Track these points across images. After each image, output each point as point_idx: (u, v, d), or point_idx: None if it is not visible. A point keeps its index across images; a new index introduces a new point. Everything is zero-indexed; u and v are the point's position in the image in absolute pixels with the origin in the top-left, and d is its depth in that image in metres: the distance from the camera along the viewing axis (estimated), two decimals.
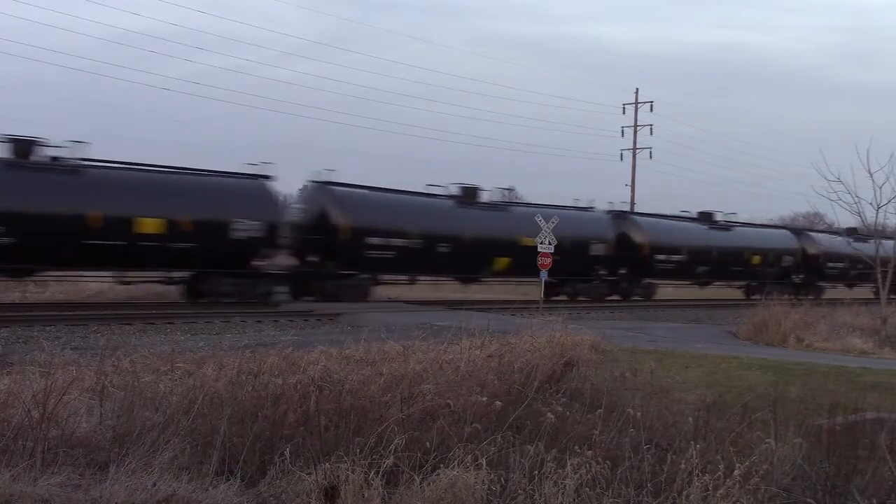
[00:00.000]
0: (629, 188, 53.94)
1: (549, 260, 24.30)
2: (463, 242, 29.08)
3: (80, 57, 71.48)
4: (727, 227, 40.00)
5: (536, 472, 6.01)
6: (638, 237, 35.53)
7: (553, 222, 24.67)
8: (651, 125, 54.42)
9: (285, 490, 6.02)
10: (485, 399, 7.48)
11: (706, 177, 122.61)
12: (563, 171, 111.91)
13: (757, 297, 37.07)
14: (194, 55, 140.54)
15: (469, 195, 30.53)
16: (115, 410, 7.23)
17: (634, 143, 54.58)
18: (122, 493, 5.63)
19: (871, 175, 21.69)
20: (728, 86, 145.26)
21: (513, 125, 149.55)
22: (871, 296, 39.91)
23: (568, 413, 7.59)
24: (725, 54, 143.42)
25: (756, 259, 39.86)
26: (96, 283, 27.34)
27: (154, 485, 5.75)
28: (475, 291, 32.85)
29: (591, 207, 35.78)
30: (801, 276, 42.45)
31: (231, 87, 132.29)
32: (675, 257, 36.39)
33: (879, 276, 23.56)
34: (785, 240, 42.74)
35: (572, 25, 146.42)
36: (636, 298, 35.78)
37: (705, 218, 39.56)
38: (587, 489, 5.84)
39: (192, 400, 7.32)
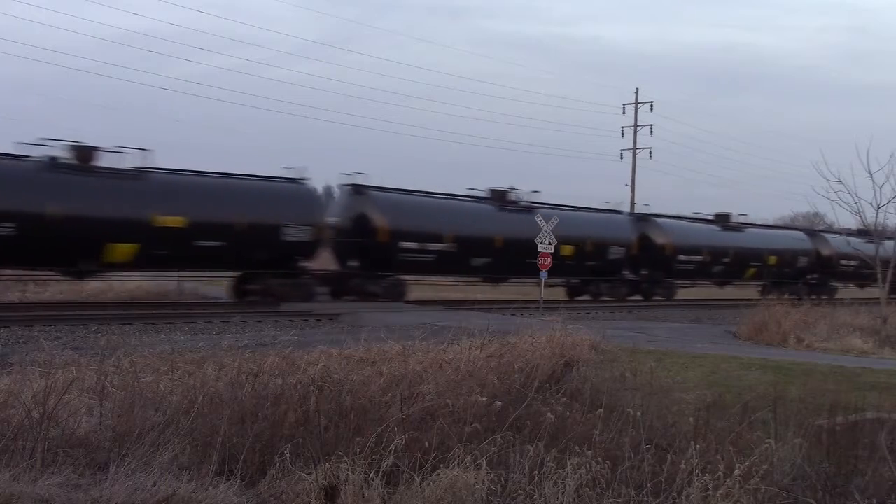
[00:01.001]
0: (629, 188, 53.95)
1: (548, 260, 24.31)
2: (496, 244, 30.01)
3: (81, 57, 71.53)
4: (742, 228, 40.82)
5: (536, 472, 6.01)
6: (659, 238, 36.36)
7: (553, 222, 24.67)
8: (651, 125, 54.40)
9: (285, 490, 6.02)
10: (485, 399, 7.49)
11: (706, 177, 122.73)
12: (563, 171, 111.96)
13: (772, 296, 37.70)
14: (195, 55, 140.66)
15: (499, 197, 31.45)
16: (115, 410, 7.23)
17: (634, 143, 54.57)
18: (122, 493, 5.63)
19: (871, 175, 21.69)
20: (728, 86, 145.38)
21: (513, 125, 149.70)
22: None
23: (568, 413, 7.59)
24: (726, 54, 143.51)
25: (772, 259, 40.76)
26: (96, 283, 27.37)
27: (154, 485, 5.75)
28: (501, 293, 33.27)
29: (618, 210, 37.34)
30: (816, 276, 43.24)
31: (231, 87, 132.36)
32: (696, 258, 37.35)
33: (879, 275, 23.55)
34: (800, 241, 43.58)
35: (573, 25, 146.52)
36: (657, 298, 36.52)
37: (721, 219, 40.31)
38: (587, 489, 5.84)
39: (192, 400, 7.32)
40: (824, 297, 38.23)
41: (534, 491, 5.87)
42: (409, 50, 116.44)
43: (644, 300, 35.94)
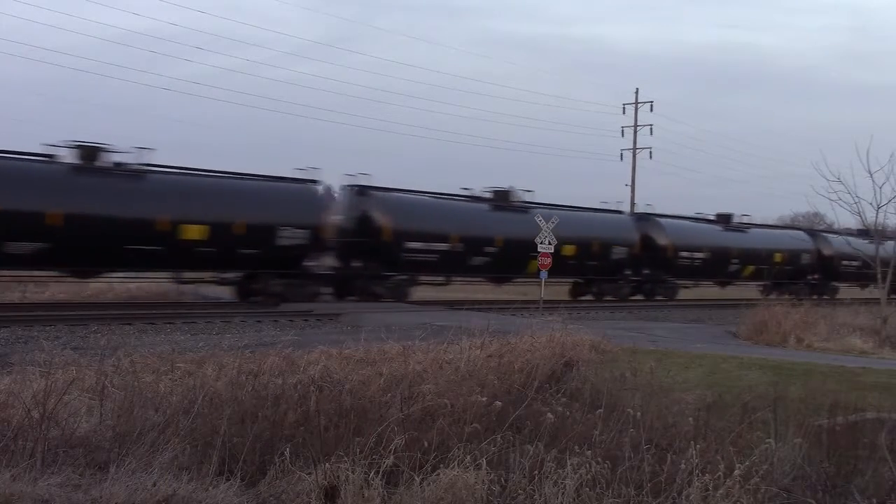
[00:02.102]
0: (629, 188, 53.97)
1: (548, 260, 24.29)
2: (498, 244, 30.23)
3: (81, 57, 71.51)
4: (744, 228, 40.77)
5: (536, 472, 6.01)
6: (661, 239, 36.38)
7: (553, 222, 24.66)
8: (651, 125, 54.42)
9: (285, 490, 6.02)
10: (485, 399, 7.49)
11: (706, 177, 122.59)
12: (563, 171, 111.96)
13: (774, 296, 37.93)
14: (195, 55, 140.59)
15: (502, 198, 31.58)
16: (115, 410, 7.23)
17: (634, 143, 54.58)
18: (122, 493, 5.63)
19: (871, 175, 21.68)
20: (728, 86, 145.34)
21: (513, 125, 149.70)
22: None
23: (568, 413, 7.59)
24: (726, 54, 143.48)
25: (775, 259, 40.77)
26: (95, 284, 27.35)
27: (154, 485, 5.75)
28: (504, 292, 33.53)
29: (619, 210, 37.65)
30: (817, 276, 43.23)
31: (232, 87, 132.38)
32: (698, 257, 37.33)
33: (879, 275, 23.56)
34: (801, 241, 43.38)
35: (573, 25, 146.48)
36: (659, 298, 36.51)
37: (723, 219, 40.32)
38: (587, 489, 5.84)
39: (192, 400, 7.32)
40: (826, 298, 38.76)
41: (534, 491, 5.87)
42: (409, 50, 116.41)
43: (646, 300, 35.99)
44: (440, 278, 30.54)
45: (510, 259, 30.40)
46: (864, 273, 41.26)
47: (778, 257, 40.93)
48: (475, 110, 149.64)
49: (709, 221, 40.12)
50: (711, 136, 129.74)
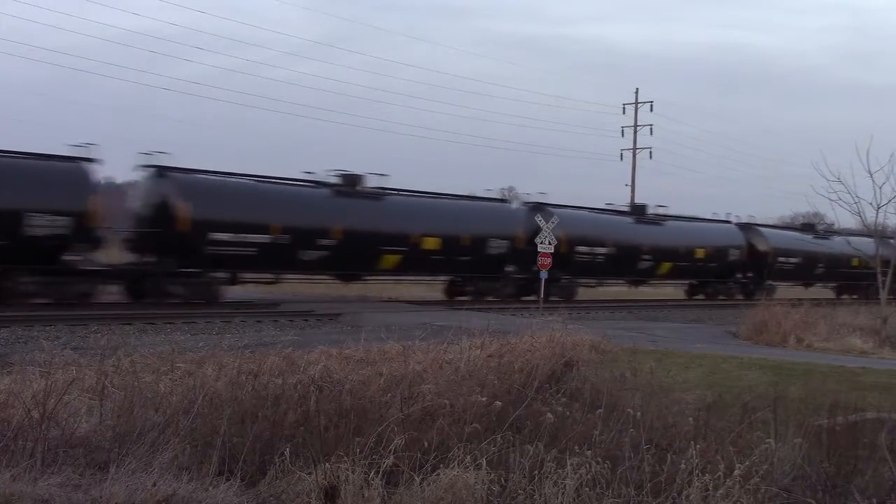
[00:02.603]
0: (629, 188, 53.94)
1: (549, 260, 24.26)
2: (336, 236, 26.07)
3: (81, 57, 71.53)
4: (660, 220, 36.89)
5: (536, 472, 6.01)
6: (556, 232, 31.40)
7: (553, 222, 24.63)
8: (651, 125, 54.40)
9: (285, 490, 6.02)
10: (485, 399, 7.48)
11: (706, 177, 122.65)
12: (564, 171, 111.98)
13: (700, 296, 38.46)
14: (195, 55, 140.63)
15: (349, 183, 27.27)
16: (115, 410, 7.23)
17: (634, 143, 54.58)
18: (122, 493, 5.63)
19: (871, 175, 21.67)
20: (728, 86, 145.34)
21: (513, 125, 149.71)
22: (833, 295, 41.07)
23: (568, 413, 7.59)
24: (726, 55, 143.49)
25: (696, 255, 36.90)
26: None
27: (154, 485, 5.75)
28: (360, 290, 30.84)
29: (505, 199, 33.86)
30: (750, 274, 39.73)
31: (231, 87, 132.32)
32: (600, 253, 33.03)
33: (879, 275, 23.55)
34: (730, 235, 39.31)
35: (573, 26, 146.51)
36: (554, 299, 30.00)
37: (636, 211, 37.04)
38: (587, 489, 5.84)
39: (192, 400, 7.32)
40: (758, 298, 35.38)
41: (534, 491, 5.87)
42: (409, 50, 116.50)
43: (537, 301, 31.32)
44: (267, 276, 26.46)
45: (355, 253, 26.47)
46: (806, 271, 41.21)
47: (700, 253, 36.85)
48: (475, 110, 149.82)
49: (617, 213, 36.32)
50: (711, 136, 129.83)
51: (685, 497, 5.82)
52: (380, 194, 27.77)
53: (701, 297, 38.59)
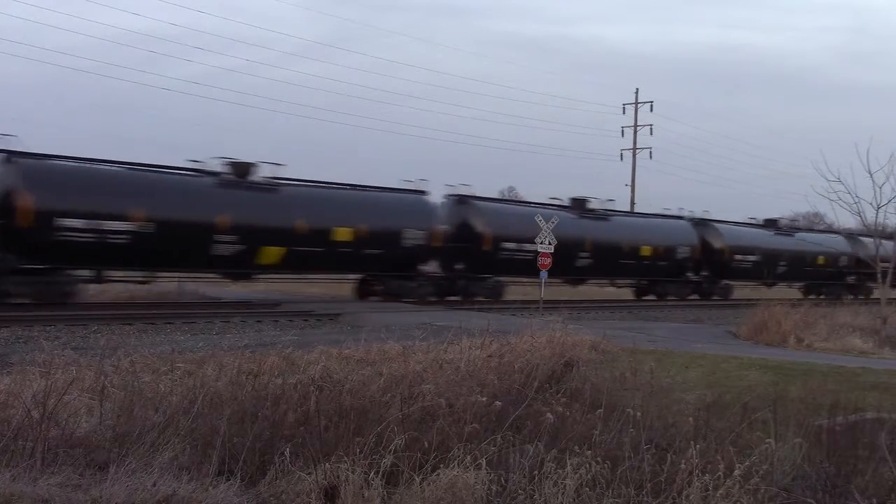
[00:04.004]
0: (629, 188, 53.96)
1: (548, 260, 24.22)
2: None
3: (81, 57, 71.53)
4: (604, 216, 34.65)
5: (536, 472, 6.01)
6: (479, 227, 29.92)
7: (553, 222, 24.62)
8: (651, 125, 54.50)
9: (285, 490, 6.02)
10: (485, 399, 7.49)
11: (706, 177, 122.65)
12: (564, 171, 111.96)
13: (651, 297, 36.51)
14: (195, 55, 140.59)
15: (238, 172, 25.00)
16: (115, 410, 7.24)
17: (634, 143, 54.63)
18: (122, 493, 5.63)
19: (871, 175, 21.65)
20: (729, 86, 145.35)
21: (513, 125, 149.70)
22: (801, 295, 38.66)
23: (568, 413, 7.59)
24: (726, 54, 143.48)
25: (642, 253, 34.60)
26: (96, 284, 27.05)
27: (154, 485, 5.75)
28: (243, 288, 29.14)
29: (420, 190, 29.69)
30: (704, 273, 37.84)
31: (231, 87, 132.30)
32: (529, 250, 28.25)
33: (880, 275, 23.55)
34: (681, 231, 37.12)
35: (574, 26, 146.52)
36: (479, 299, 29.17)
37: (577, 206, 34.00)
38: (587, 489, 5.84)
39: (192, 400, 7.32)
40: (715, 298, 35.71)
41: (534, 491, 5.87)
42: (409, 50, 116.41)
43: (463, 300, 28.88)
44: (137, 275, 24.25)
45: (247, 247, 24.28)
46: (767, 269, 38.57)
47: (646, 251, 34.62)
48: (475, 110, 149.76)
49: (559, 207, 32.64)
50: (711, 136, 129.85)
51: (685, 497, 5.82)
52: (275, 186, 25.44)
53: (651, 297, 36.38)
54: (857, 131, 69.21)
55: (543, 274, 24.10)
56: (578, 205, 33.88)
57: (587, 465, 5.95)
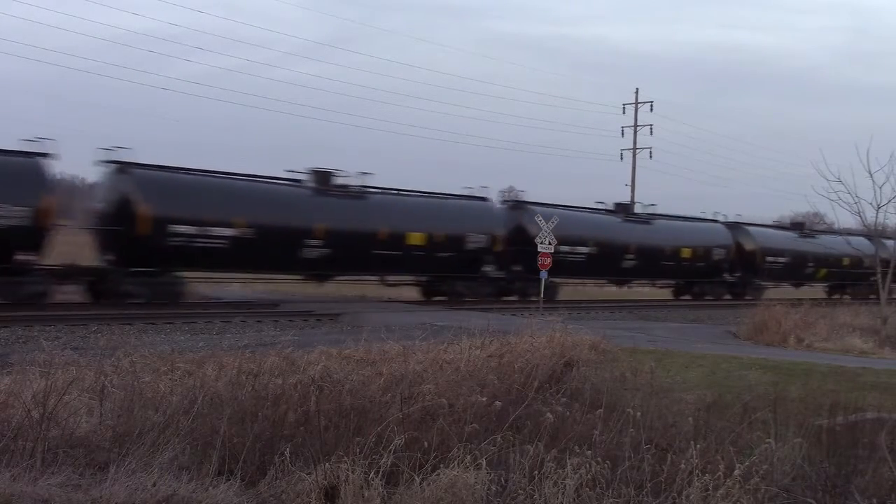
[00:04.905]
0: (629, 188, 53.97)
1: (549, 260, 24.23)
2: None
3: (81, 57, 71.55)
4: (649, 220, 36.41)
5: (536, 472, 6.01)
6: (533, 230, 31.29)
7: (553, 222, 24.62)
8: (651, 125, 54.49)
9: (285, 490, 6.02)
10: (485, 399, 7.49)
11: (706, 177, 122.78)
12: (563, 170, 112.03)
13: (687, 297, 37.95)
14: (195, 55, 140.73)
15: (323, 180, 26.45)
16: (115, 410, 7.24)
17: (634, 143, 54.61)
18: (122, 493, 5.63)
19: (871, 175, 21.67)
20: (729, 86, 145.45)
21: (514, 125, 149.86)
22: (824, 295, 40.31)
23: (568, 413, 7.59)
24: (726, 54, 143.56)
25: (684, 255, 36.24)
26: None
27: (154, 485, 5.75)
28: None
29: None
30: (738, 274, 39.16)
31: (231, 87, 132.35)
32: (581, 252, 32.23)
33: (880, 275, 23.55)
34: (717, 234, 38.59)
35: (575, 26, 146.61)
36: (533, 299, 30.58)
37: (622, 210, 36.31)
38: (587, 489, 5.84)
39: (192, 400, 7.32)
40: (748, 298, 35.95)
41: (534, 491, 5.87)
42: (410, 50, 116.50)
43: (519, 300, 30.57)
44: (236, 277, 25.98)
45: (333, 251, 25.63)
46: (794, 270, 40.82)
47: (686, 253, 36.23)
48: (476, 110, 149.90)
49: (602, 211, 35.25)
50: (711, 136, 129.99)
51: (685, 497, 5.82)
52: (360, 193, 27.20)
53: (687, 297, 37.85)
54: (857, 131, 69.28)
55: (543, 274, 24.09)
56: (623, 209, 36.07)
57: (587, 465, 5.95)
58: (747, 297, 36.42)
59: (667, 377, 10.71)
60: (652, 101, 54.30)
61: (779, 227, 43.13)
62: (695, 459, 5.99)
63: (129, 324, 18.22)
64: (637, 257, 34.40)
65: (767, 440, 6.58)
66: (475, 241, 29.26)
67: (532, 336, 12.87)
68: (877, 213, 22.86)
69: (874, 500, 6.19)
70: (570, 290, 34.28)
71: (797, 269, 40.71)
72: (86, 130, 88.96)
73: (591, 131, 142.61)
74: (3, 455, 6.13)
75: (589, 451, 6.13)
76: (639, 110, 54.44)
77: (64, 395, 7.03)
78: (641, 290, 40.55)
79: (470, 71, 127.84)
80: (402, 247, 27.11)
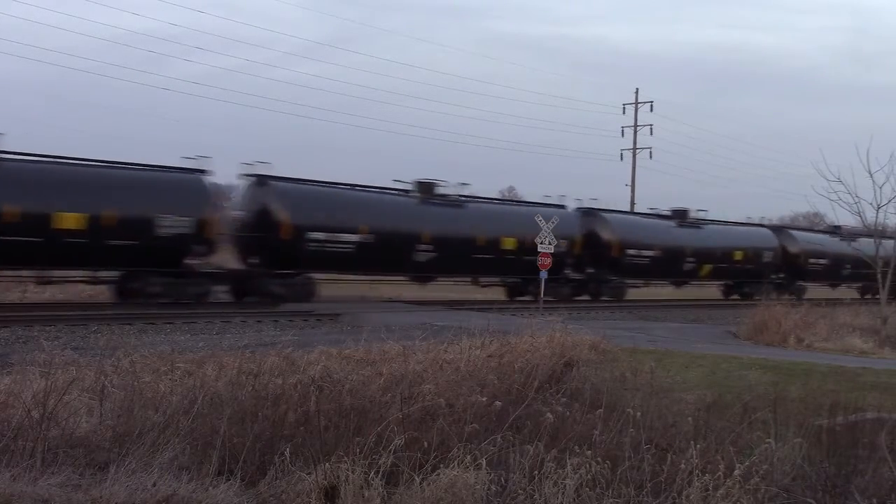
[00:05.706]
0: (629, 188, 53.99)
1: (548, 260, 24.23)
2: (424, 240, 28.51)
3: (81, 57, 71.50)
4: (701, 224, 38.73)
5: (536, 472, 6.00)
6: (606, 234, 34.53)
7: (553, 222, 24.61)
8: (651, 125, 54.50)
9: (285, 490, 6.02)
10: (485, 399, 7.49)
11: (706, 177, 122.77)
12: (564, 170, 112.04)
13: (735, 297, 39.82)
14: (195, 55, 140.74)
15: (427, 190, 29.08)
16: (115, 410, 7.24)
17: (634, 143, 54.60)
18: (122, 493, 5.63)
19: (871, 175, 21.67)
20: (729, 86, 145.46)
21: (514, 125, 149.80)
22: (857, 296, 41.68)
23: (568, 413, 7.59)
24: (726, 54, 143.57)
25: (735, 257, 38.78)
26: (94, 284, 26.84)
27: (154, 485, 5.75)
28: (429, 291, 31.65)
29: (562, 205, 34.62)
30: (782, 275, 41.30)
31: (231, 87, 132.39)
32: (646, 255, 34.86)
33: (879, 275, 23.52)
34: (764, 238, 41.17)
35: (575, 26, 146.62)
36: (605, 299, 33.96)
37: (679, 215, 38.14)
38: (587, 489, 5.84)
39: (192, 400, 7.32)
40: (792, 298, 36.50)
41: (534, 491, 5.87)
42: (410, 50, 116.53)
43: (591, 300, 33.22)
44: (358, 278, 28.19)
45: (439, 255, 28.24)
46: (833, 272, 42.96)
47: (738, 255, 38.81)
48: (476, 110, 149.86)
49: (660, 217, 37.99)
50: (711, 136, 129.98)
51: (685, 497, 5.81)
52: (461, 202, 30.08)
53: (736, 297, 39.76)
54: (857, 131, 69.28)
55: (543, 274, 24.10)
56: (678, 215, 37.96)
57: (587, 465, 5.95)
58: (790, 297, 36.93)
59: (667, 377, 10.71)
60: (652, 101, 54.37)
61: (818, 230, 44.86)
62: (695, 459, 5.99)
63: (129, 324, 18.22)
64: (696, 260, 37.22)
65: (767, 440, 6.57)
66: (559, 246, 30.01)
67: (532, 336, 12.87)
68: (877, 213, 22.88)
69: (874, 500, 6.18)
70: (636, 290, 36.67)
71: (835, 270, 42.65)
72: (86, 130, 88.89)
73: (591, 131, 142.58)
74: (3, 455, 6.13)
75: (589, 451, 6.13)
76: (639, 110, 54.47)
77: (64, 395, 7.03)
78: (691, 291, 41.11)
79: (470, 71, 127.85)
80: (497, 251, 29.69)
